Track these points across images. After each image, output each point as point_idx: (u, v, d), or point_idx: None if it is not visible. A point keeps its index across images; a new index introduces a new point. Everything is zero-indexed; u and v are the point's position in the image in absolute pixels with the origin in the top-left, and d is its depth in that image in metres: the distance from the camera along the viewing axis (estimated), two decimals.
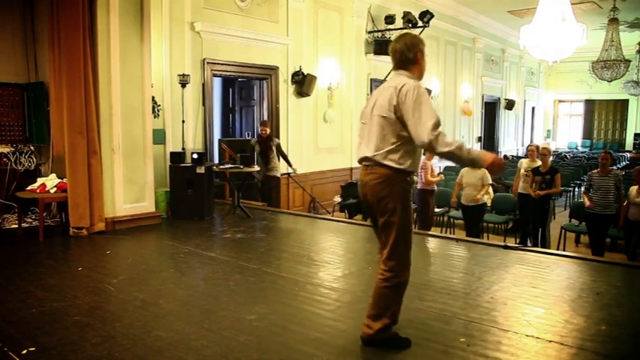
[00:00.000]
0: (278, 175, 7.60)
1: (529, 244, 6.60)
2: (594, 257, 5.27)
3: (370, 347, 2.77)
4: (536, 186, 6.71)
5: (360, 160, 2.86)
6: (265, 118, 8.51)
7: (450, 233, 7.86)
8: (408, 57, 2.79)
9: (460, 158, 2.62)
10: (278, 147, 7.58)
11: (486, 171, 6.50)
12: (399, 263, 2.70)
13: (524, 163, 7.35)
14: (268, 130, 7.44)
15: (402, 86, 2.65)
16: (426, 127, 2.55)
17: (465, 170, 7.14)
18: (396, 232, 2.68)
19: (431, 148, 2.59)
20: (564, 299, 3.58)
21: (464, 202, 7.12)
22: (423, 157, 6.98)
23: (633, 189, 6.21)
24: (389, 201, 2.68)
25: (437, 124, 2.55)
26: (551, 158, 7.18)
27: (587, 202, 6.46)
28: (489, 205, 8.23)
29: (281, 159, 7.58)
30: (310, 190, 9.07)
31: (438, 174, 8.05)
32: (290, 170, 7.77)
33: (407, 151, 2.69)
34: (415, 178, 5.03)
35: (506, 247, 4.99)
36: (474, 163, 2.69)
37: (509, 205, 7.86)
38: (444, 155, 2.61)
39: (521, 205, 7.28)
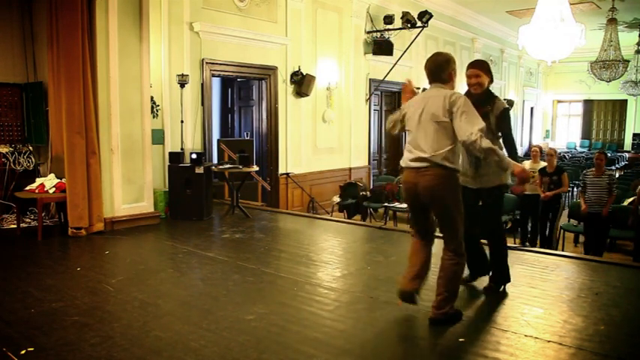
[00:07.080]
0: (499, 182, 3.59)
1: (527, 245, 6.62)
2: (593, 257, 5.27)
3: (374, 345, 2.78)
4: (545, 187, 6.86)
5: (411, 161, 3.08)
6: (269, 118, 8.32)
7: None
8: (442, 77, 3.15)
9: (498, 157, 2.98)
10: (503, 118, 3.63)
11: None
12: (461, 245, 3.10)
13: (527, 165, 7.36)
14: (486, 82, 3.89)
15: (452, 94, 3.04)
16: (475, 127, 2.92)
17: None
18: (457, 223, 3.07)
19: (474, 145, 2.91)
20: (563, 299, 3.58)
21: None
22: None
23: None
24: (448, 197, 3.03)
25: (482, 129, 2.94)
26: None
27: (584, 206, 6.56)
28: None
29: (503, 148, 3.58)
30: (309, 190, 9.08)
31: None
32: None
33: (456, 152, 3.08)
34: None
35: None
36: (505, 167, 3.06)
37: (510, 205, 7.84)
38: (486, 151, 2.92)
39: (524, 206, 7.29)
